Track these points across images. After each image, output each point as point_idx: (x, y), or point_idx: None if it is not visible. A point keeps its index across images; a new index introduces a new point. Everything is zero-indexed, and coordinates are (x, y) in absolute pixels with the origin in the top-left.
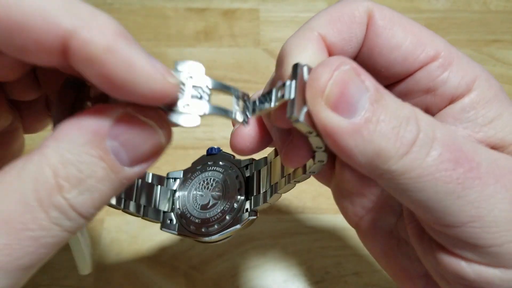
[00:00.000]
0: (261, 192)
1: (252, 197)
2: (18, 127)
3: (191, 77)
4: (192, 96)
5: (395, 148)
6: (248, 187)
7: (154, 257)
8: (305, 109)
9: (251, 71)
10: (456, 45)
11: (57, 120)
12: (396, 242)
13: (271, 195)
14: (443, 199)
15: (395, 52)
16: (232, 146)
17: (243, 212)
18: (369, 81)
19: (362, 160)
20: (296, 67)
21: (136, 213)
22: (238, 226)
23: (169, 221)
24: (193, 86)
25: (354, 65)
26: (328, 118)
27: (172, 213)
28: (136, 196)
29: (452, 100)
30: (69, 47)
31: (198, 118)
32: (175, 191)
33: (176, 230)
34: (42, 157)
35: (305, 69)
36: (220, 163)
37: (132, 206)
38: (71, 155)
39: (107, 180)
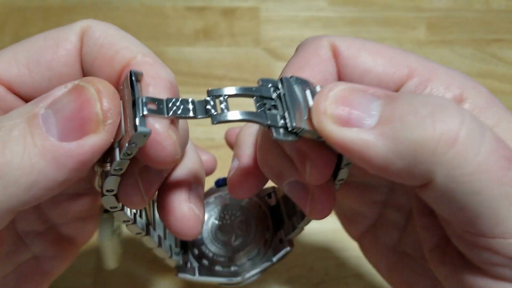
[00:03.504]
0: (297, 215)
1: (285, 225)
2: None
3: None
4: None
5: (437, 136)
6: (276, 217)
7: (153, 258)
8: (305, 117)
9: (251, 70)
10: (458, 45)
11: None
12: (399, 257)
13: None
14: (497, 205)
15: (367, 77)
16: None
17: (276, 244)
18: (379, 91)
19: (400, 164)
20: (282, 81)
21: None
22: (274, 260)
23: (183, 263)
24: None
25: (355, 85)
26: (343, 135)
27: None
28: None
29: None
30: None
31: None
32: None
33: (197, 273)
34: None
35: (291, 80)
36: None
37: (154, 235)
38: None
39: (21, 144)
